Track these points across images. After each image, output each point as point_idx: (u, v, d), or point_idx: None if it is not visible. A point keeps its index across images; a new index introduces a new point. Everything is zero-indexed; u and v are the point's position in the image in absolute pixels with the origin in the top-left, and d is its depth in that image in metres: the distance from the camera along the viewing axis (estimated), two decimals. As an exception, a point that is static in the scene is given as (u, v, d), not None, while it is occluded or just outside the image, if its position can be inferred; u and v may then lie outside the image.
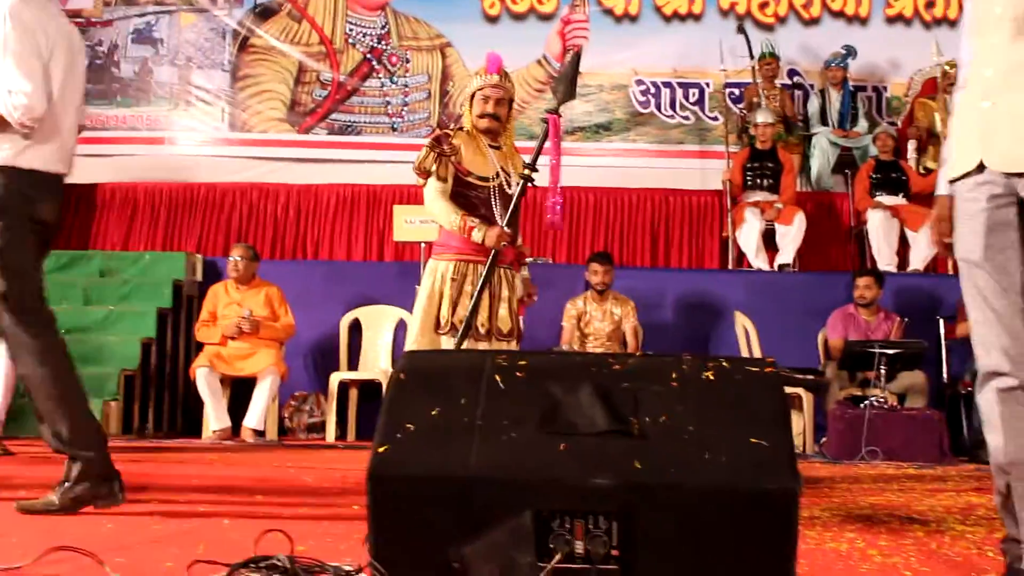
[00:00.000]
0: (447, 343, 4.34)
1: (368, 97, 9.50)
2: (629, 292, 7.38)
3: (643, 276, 8.00)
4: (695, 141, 9.50)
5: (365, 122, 9.47)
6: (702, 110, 9.50)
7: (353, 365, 7.25)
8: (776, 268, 8.18)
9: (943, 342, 7.41)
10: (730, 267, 8.38)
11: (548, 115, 4.28)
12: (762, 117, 8.48)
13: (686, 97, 9.49)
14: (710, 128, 9.49)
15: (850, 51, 9.22)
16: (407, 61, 9.55)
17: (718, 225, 8.80)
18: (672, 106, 9.48)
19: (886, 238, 8.14)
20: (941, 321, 7.42)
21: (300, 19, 9.56)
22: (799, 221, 8.17)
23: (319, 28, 9.55)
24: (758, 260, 8.19)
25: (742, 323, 7.17)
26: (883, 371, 6.56)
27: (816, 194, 8.97)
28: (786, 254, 8.19)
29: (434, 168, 4.37)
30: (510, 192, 4.52)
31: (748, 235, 8.20)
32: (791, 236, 8.18)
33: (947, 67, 8.85)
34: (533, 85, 9.47)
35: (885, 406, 6.47)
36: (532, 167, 4.31)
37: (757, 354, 6.90)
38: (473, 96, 4.50)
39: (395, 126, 9.48)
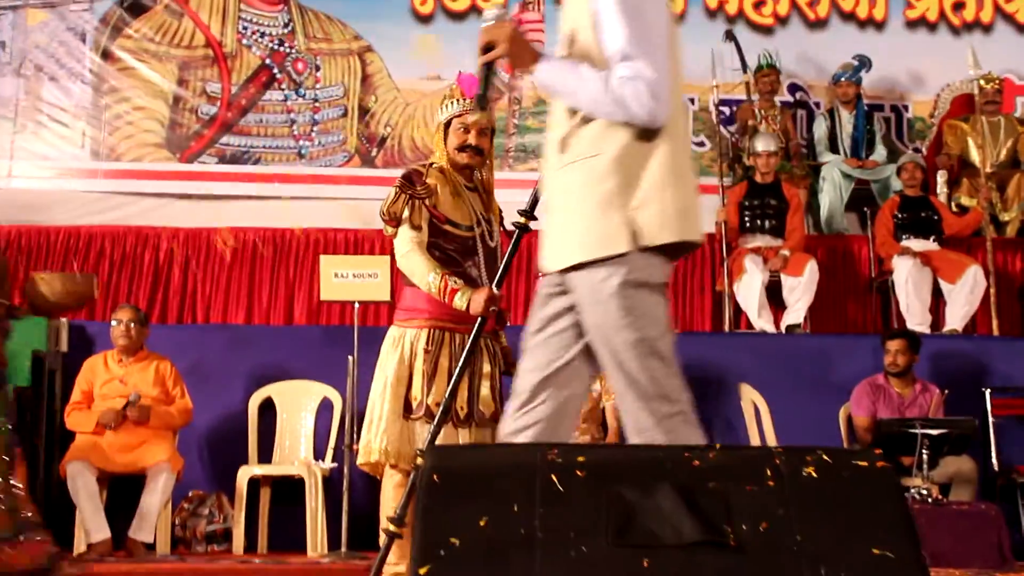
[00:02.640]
0: (420, 431, 4.44)
1: (268, 114, 9.62)
2: (605, 361, 7.53)
3: (621, 340, 8.14)
4: (677, 172, 9.73)
5: (264, 147, 9.57)
6: (685, 133, 9.76)
7: (265, 457, 7.25)
8: (783, 330, 8.41)
9: (991, 420, 7.66)
10: (726, 329, 8.58)
11: None
12: (763, 144, 8.76)
13: (665, 117, 9.73)
14: (694, 156, 9.74)
15: (864, 62, 9.60)
16: (317, 69, 9.70)
17: (709, 277, 9.02)
18: (648, 127, 9.72)
19: (917, 291, 8.43)
20: (988, 394, 7.68)
21: (181, 15, 9.65)
22: (810, 271, 8.39)
23: (204, 26, 9.65)
24: (761, 320, 8.39)
25: (750, 398, 7.36)
26: (925, 456, 6.78)
27: (827, 238, 9.26)
28: (796, 312, 8.41)
29: (407, 214, 4.51)
30: (492, 244, 4.69)
31: (748, 289, 8.40)
32: (801, 290, 8.39)
33: (982, 82, 9.26)
34: (476, 101, 9.63)
35: (929, 499, 6.67)
36: (529, 214, 4.44)
37: (771, 436, 7.09)
38: (448, 125, 4.65)
39: (303, 152, 9.58)
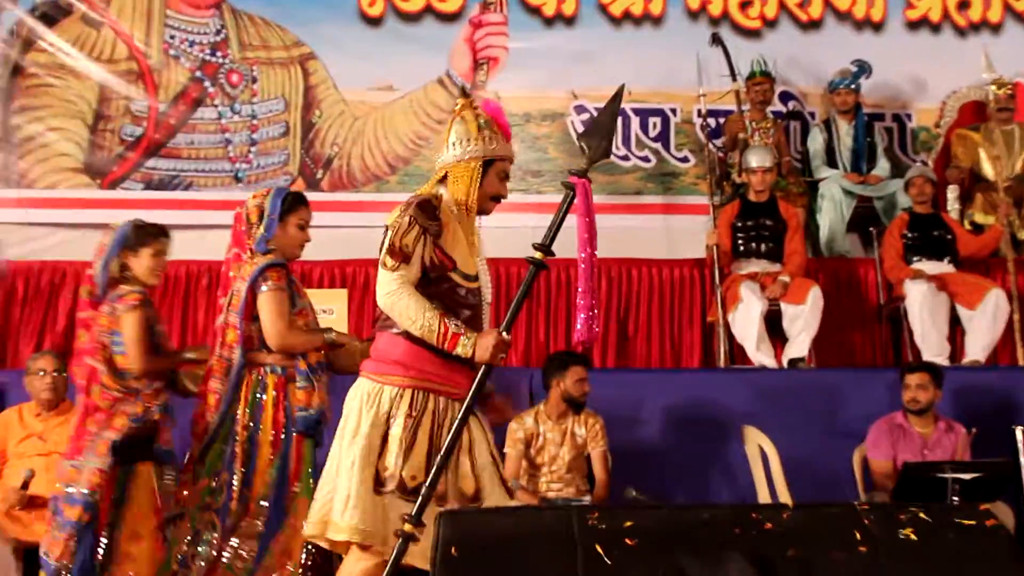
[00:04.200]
0: (392, 506, 4.18)
1: (200, 134, 9.43)
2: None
3: (603, 380, 7.94)
4: (657, 191, 9.68)
5: (197, 171, 9.40)
6: (666, 148, 9.67)
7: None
8: (786, 365, 8.27)
9: (1023, 461, 7.50)
10: (720, 364, 8.43)
11: (573, 179, 4.27)
12: (757, 159, 8.64)
13: (645, 130, 9.66)
14: (677, 173, 9.68)
15: (863, 67, 9.51)
16: (253, 81, 9.54)
17: (699, 307, 8.88)
18: (626, 142, 9.63)
19: (933, 319, 8.32)
20: (1019, 432, 7.50)
21: (100, 24, 9.45)
22: (813, 299, 8.28)
23: (127, 36, 9.46)
24: (760, 354, 8.27)
25: (755, 442, 7.17)
26: (956, 503, 6.61)
27: (829, 261, 9.18)
28: (799, 345, 8.29)
29: (419, 250, 4.27)
30: (488, 299, 4.49)
31: (745, 320, 8.30)
32: (804, 320, 8.29)
33: (995, 88, 9.19)
34: (432, 114, 9.50)
35: (963, 553, 6.51)
36: (547, 248, 4.25)
37: (781, 486, 6.90)
38: (489, 165, 4.45)
39: (240, 175, 9.42)
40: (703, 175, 9.31)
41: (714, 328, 8.59)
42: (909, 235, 8.72)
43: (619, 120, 9.51)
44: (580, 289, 4.27)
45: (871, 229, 9.04)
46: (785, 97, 9.81)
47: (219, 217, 9.09)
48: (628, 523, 2.27)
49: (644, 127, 9.64)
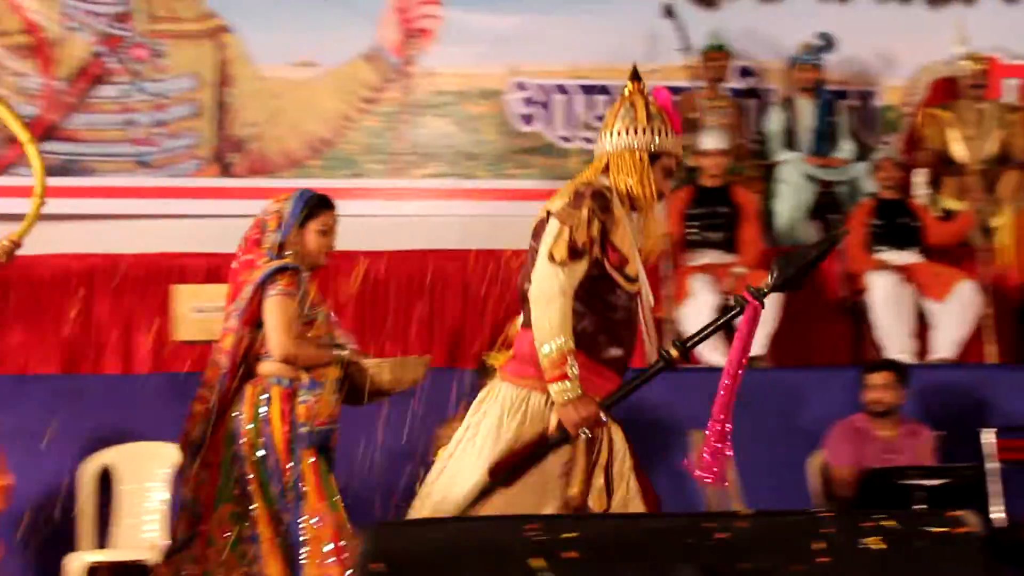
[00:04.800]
0: None
1: (101, 115, 9.39)
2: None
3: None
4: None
5: (97, 155, 9.34)
6: (613, 128, 9.67)
7: (103, 540, 7.04)
8: (741, 363, 8.29)
9: (993, 466, 7.50)
10: (670, 364, 8.44)
11: (748, 296, 4.35)
12: (711, 141, 8.70)
13: (590, 108, 9.62)
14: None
15: (827, 41, 9.55)
16: (160, 56, 9.47)
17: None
18: (570, 122, 9.63)
19: (897, 313, 8.41)
20: (990, 434, 7.54)
21: (-10, -8, 9.38)
22: (771, 292, 8.31)
23: (19, 6, 9.35)
24: (714, 353, 8.28)
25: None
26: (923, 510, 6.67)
27: (786, 251, 9.17)
28: (755, 342, 8.30)
29: (595, 248, 4.20)
30: (650, 303, 4.54)
31: (696, 316, 8.28)
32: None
33: (971, 62, 9.29)
34: (359, 93, 9.47)
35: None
36: (685, 348, 4.35)
37: (734, 495, 6.94)
38: (654, 159, 4.39)
39: (145, 159, 9.37)
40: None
41: (663, 325, 8.60)
42: (875, 223, 8.78)
43: (568, 102, 9.61)
44: (714, 415, 4.33)
45: (829, 216, 9.11)
46: (743, 73, 9.85)
47: (122, 206, 9.11)
48: (570, 534, 2.26)
49: (590, 105, 9.64)
